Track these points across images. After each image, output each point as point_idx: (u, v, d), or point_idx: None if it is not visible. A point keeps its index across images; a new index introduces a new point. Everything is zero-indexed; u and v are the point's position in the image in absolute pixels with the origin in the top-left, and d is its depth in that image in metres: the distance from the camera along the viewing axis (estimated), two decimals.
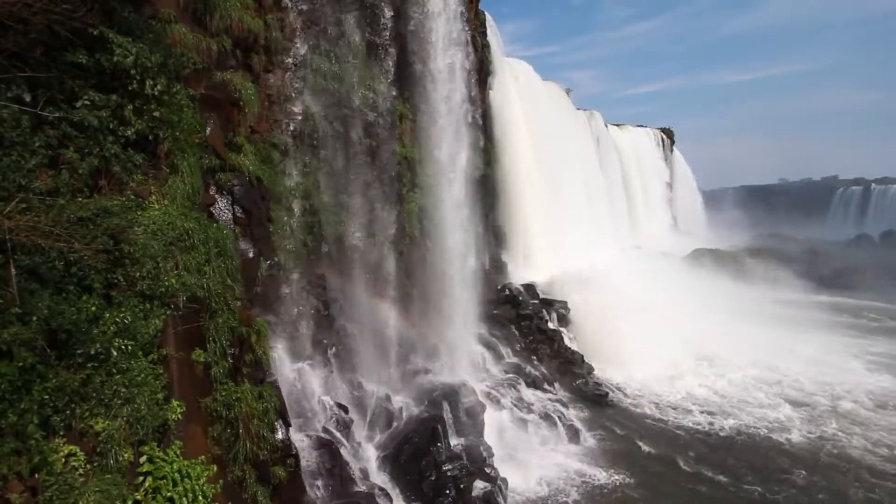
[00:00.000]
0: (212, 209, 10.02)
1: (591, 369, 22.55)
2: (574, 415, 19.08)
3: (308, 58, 14.41)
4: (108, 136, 7.16)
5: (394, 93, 17.01)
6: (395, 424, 14.36)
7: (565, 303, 25.51)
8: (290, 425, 9.85)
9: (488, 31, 25.63)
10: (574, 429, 17.84)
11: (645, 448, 17.11)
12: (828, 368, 23.63)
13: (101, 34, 7.05)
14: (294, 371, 12.66)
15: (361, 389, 14.58)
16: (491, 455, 14.67)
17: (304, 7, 14.29)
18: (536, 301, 24.98)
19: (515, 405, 18.21)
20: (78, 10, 6.62)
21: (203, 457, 6.85)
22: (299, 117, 14.25)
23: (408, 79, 18.42)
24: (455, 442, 14.40)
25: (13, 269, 5.48)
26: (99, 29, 7.02)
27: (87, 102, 6.93)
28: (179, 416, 6.72)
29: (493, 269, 25.89)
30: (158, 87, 7.64)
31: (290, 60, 14.10)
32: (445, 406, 15.06)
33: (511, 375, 20.13)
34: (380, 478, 12.93)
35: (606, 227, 38.52)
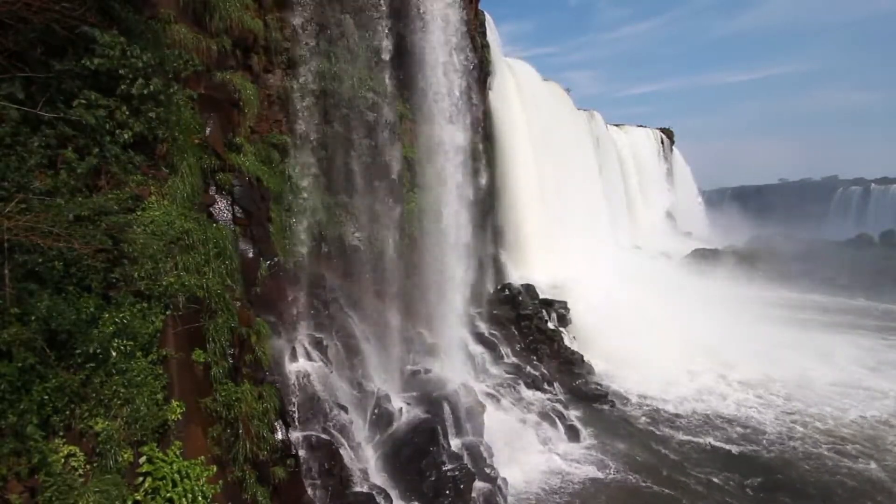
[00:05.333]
0: (211, 209, 10.02)
1: (591, 369, 22.55)
2: (574, 415, 19.07)
3: (308, 58, 14.41)
4: (105, 136, 7.15)
5: (394, 92, 17.00)
6: (394, 425, 14.34)
7: (565, 303, 25.50)
8: (289, 425, 9.86)
9: (487, 32, 25.64)
10: (574, 429, 17.84)
11: (644, 448, 17.08)
12: (828, 369, 23.55)
13: (84, 34, 6.98)
14: (294, 371, 12.64)
15: (361, 389, 14.57)
16: (491, 455, 14.67)
17: (305, 7, 14.28)
18: (536, 301, 24.97)
19: (515, 405, 18.21)
20: (77, 9, 6.62)
21: (203, 457, 6.84)
22: (299, 117, 14.25)
23: (408, 79, 18.41)
24: (455, 442, 14.39)
25: (7, 270, 5.47)
26: (82, 29, 6.93)
27: (82, 101, 6.91)
28: (179, 416, 6.71)
29: (493, 269, 25.89)
30: (153, 87, 7.62)
31: (290, 60, 14.09)
32: (445, 406, 15.04)
33: (511, 375, 20.12)
34: (379, 478, 12.91)
35: (606, 227, 38.53)
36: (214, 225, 9.03)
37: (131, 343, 6.38)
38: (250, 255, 11.26)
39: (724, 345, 25.30)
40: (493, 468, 14.11)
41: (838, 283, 42.11)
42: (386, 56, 16.71)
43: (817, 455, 16.51)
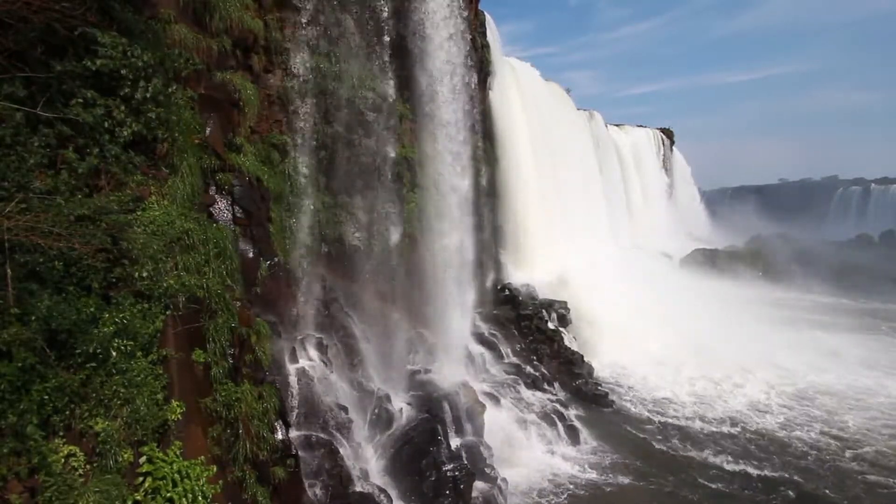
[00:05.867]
0: (212, 209, 10.02)
1: (591, 369, 22.55)
2: (574, 415, 19.07)
3: (308, 58, 14.41)
4: (105, 135, 7.15)
5: (394, 93, 17.01)
6: (395, 425, 14.35)
7: (565, 303, 25.50)
8: (289, 425, 9.86)
9: (488, 32, 25.62)
10: (574, 429, 17.84)
11: (644, 449, 17.09)
12: (839, 371, 23.43)
13: (85, 34, 6.96)
14: (294, 371, 12.64)
15: (361, 389, 14.57)
16: (491, 455, 14.67)
17: (305, 7, 14.28)
18: (536, 301, 24.96)
19: (515, 405, 18.20)
20: (77, 9, 6.60)
21: (203, 457, 6.84)
22: (299, 117, 14.26)
23: (408, 79, 18.41)
24: (455, 442, 14.39)
25: (8, 270, 5.47)
26: (82, 29, 6.90)
27: (79, 101, 6.89)
28: (179, 416, 6.70)
29: (494, 269, 25.90)
30: (152, 87, 7.61)
31: (290, 60, 14.09)
32: (445, 406, 15.05)
33: (511, 375, 20.12)
34: (379, 478, 12.91)
35: (606, 227, 38.53)
36: (214, 225, 9.03)
37: (131, 343, 6.38)
38: (250, 255, 11.27)
39: (725, 345, 25.30)
40: (493, 468, 14.11)
41: (839, 283, 42.12)
42: (386, 56, 16.72)
43: (829, 460, 16.30)
